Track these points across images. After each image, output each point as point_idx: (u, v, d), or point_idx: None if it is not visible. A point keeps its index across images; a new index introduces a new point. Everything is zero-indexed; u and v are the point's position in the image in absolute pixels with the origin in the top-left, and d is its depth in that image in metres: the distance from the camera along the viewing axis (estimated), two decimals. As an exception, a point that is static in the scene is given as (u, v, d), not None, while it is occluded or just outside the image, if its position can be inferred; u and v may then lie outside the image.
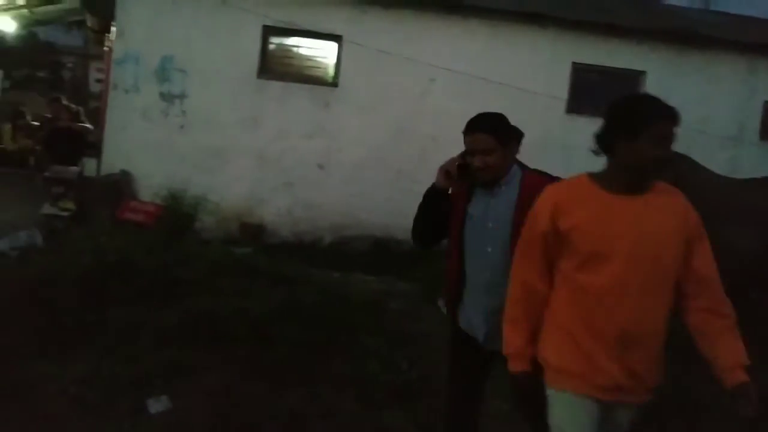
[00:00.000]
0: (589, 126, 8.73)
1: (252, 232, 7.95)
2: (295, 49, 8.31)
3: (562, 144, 7.85)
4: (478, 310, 2.62)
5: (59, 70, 25.55)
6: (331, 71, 8.25)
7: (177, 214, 6.88)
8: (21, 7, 9.35)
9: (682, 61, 8.63)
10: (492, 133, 2.53)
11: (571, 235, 2.14)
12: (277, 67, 8.17)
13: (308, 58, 8.33)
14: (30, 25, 11.06)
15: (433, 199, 2.64)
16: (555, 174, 2.64)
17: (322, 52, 8.29)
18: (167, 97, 7.91)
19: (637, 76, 8.59)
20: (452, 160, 2.59)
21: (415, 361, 4.20)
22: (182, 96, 7.92)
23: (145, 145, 7.83)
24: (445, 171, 2.57)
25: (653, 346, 2.16)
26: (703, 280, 2.17)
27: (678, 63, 8.63)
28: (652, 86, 8.26)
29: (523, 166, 2.68)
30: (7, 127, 12.24)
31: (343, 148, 8.09)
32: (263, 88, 8.04)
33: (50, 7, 9.57)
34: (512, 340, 2.29)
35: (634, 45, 8.54)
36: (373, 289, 5.99)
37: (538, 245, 2.23)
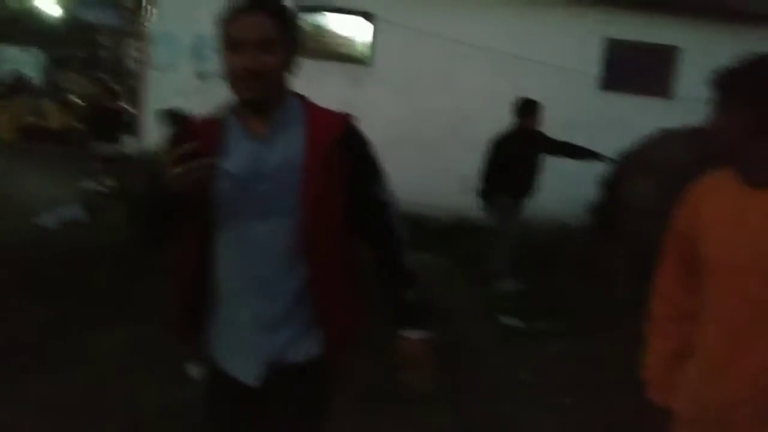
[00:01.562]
0: (622, 102, 8.77)
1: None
2: (327, 26, 8.40)
3: (595, 121, 7.83)
4: (244, 327, 1.70)
5: (97, 50, 26.03)
6: (363, 49, 8.33)
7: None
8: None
9: (719, 36, 8.48)
10: (278, 18, 1.61)
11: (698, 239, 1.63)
12: (309, 45, 8.27)
13: (340, 36, 8.42)
14: (70, 4, 11.33)
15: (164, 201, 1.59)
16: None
17: (355, 31, 8.37)
18: (203, 76, 8.09)
19: (671, 51, 8.48)
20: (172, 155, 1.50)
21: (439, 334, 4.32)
22: (218, 75, 8.07)
23: (182, 124, 8.02)
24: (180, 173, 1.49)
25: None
26: None
27: (714, 38, 8.48)
28: (687, 62, 8.15)
29: (301, 97, 1.75)
30: (51, 105, 12.60)
31: (374, 125, 8.17)
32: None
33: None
34: (649, 364, 1.81)
35: (670, 19, 8.42)
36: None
37: (672, 246, 1.76)
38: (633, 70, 8.24)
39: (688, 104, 7.02)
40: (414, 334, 1.78)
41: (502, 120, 5.90)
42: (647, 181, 5.09)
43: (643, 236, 4.07)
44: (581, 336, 4.64)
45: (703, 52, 8.30)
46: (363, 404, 3.28)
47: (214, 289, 1.74)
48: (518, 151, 5.69)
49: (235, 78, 1.63)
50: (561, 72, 8.08)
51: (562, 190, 7.00)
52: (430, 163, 8.06)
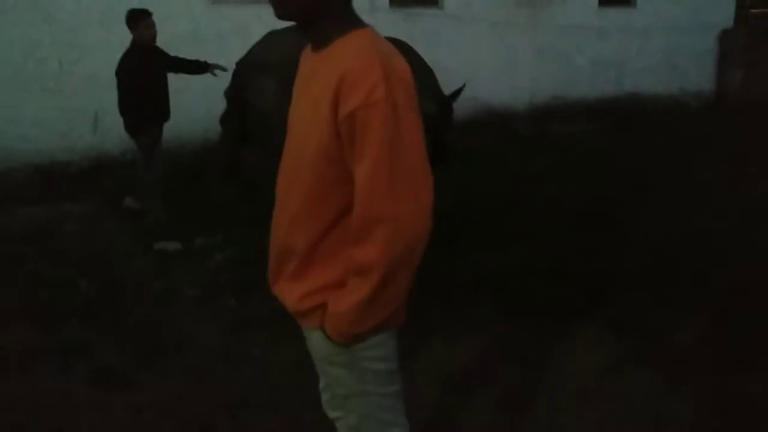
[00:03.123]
0: (235, 13, 8.75)
1: None
2: None
3: (211, 34, 7.81)
4: None
5: None
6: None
7: None
8: None
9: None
10: None
11: None
12: None
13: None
14: None
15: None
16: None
17: None
18: None
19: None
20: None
21: (94, 278, 4.14)
22: None
23: None
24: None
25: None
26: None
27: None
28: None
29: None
30: None
31: None
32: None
33: None
34: None
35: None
36: (41, 219, 5.62)
37: None
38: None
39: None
40: None
41: (122, 46, 5.58)
42: (267, 80, 5.32)
43: (273, 135, 4.32)
44: (236, 245, 4.85)
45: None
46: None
47: None
48: (143, 70, 5.46)
49: None
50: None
51: (195, 107, 6.96)
52: (50, 103, 7.27)
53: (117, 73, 5.49)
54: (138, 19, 5.46)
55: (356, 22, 1.59)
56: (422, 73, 6.45)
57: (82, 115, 7.37)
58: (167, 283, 4.29)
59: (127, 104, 5.47)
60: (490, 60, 9.87)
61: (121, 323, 3.66)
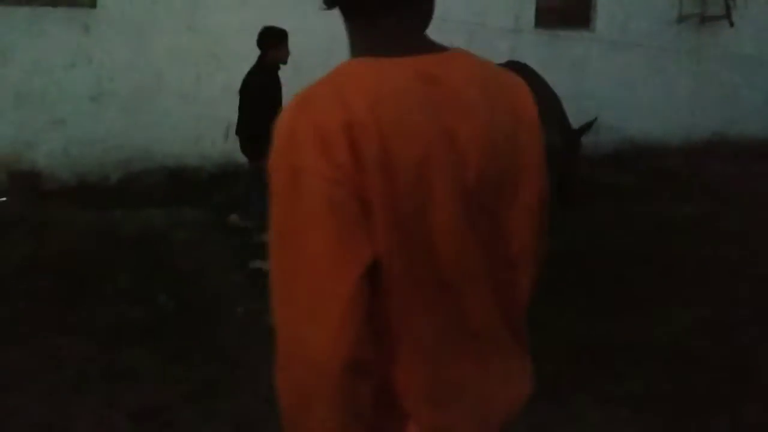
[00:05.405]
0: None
1: (24, 181, 7.18)
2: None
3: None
4: None
5: None
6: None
7: None
8: None
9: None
10: None
11: None
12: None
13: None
14: None
15: None
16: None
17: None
18: None
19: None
20: None
21: (177, 293, 4.01)
22: None
23: None
24: None
25: None
26: None
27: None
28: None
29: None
30: None
31: (112, 75, 7.41)
32: (6, 15, 7.07)
33: None
34: None
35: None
36: (155, 224, 5.69)
37: None
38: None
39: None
40: None
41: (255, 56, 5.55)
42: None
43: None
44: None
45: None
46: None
47: None
48: (265, 89, 5.34)
49: None
50: None
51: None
52: (185, 109, 7.49)
53: (243, 92, 5.40)
54: (279, 39, 5.34)
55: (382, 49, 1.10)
56: (546, 100, 5.91)
57: (215, 123, 7.50)
58: (251, 306, 4.08)
59: (255, 126, 4.96)
60: (643, 90, 8.98)
61: (185, 350, 3.45)
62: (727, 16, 8.99)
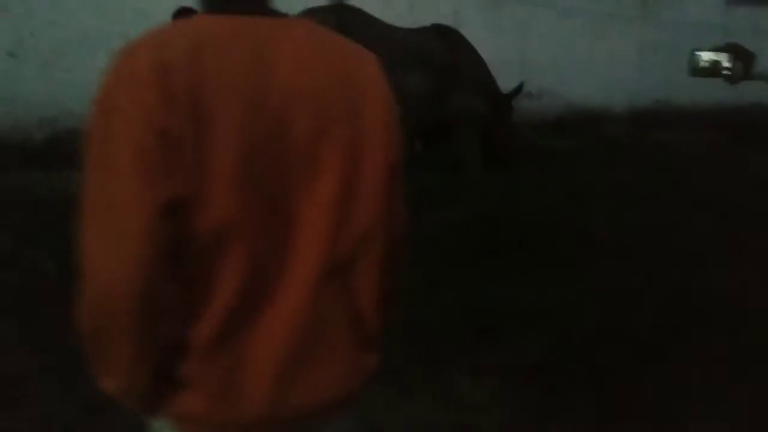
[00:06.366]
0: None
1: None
2: None
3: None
4: None
5: None
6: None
7: None
8: None
9: None
10: None
11: None
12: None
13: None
14: None
15: None
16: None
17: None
18: None
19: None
20: None
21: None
22: None
23: None
24: None
25: None
26: None
27: None
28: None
29: None
30: None
31: (36, 31, 7.09)
32: None
33: None
34: None
35: None
36: (72, 188, 5.49)
37: None
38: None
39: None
40: None
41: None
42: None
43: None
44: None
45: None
46: None
47: None
48: None
49: None
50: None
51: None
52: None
53: None
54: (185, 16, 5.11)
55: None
56: (471, 65, 5.82)
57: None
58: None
59: None
60: (588, 56, 8.89)
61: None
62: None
